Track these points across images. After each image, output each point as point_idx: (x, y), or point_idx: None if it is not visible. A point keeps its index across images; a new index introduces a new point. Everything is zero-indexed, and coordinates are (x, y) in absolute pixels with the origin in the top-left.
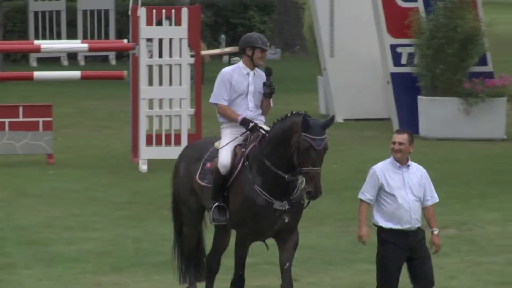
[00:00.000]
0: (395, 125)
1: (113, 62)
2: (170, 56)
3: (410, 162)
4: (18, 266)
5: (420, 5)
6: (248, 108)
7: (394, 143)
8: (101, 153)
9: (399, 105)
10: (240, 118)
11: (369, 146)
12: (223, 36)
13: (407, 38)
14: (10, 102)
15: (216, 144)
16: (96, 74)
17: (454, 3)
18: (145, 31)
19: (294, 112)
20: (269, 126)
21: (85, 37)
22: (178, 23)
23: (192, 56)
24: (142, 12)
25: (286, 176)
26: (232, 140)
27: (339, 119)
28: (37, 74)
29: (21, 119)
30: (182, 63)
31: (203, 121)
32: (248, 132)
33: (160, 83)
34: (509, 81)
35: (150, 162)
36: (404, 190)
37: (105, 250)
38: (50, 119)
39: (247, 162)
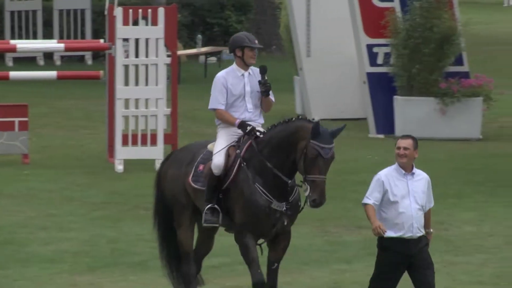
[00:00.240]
0: (371, 125)
1: (89, 62)
2: (147, 56)
3: (415, 170)
4: None
5: (396, 5)
6: (247, 110)
7: (399, 148)
8: (77, 153)
9: (375, 105)
10: (237, 121)
11: (345, 146)
12: (199, 36)
13: (384, 38)
14: None
15: (209, 146)
16: (72, 74)
17: (431, 3)
18: (122, 31)
19: (300, 117)
20: (268, 128)
21: (61, 37)
22: (154, 23)
23: (168, 56)
24: (118, 12)
25: (289, 181)
26: (229, 143)
27: (315, 118)
28: (13, 74)
29: None
30: (159, 63)
31: (179, 121)
32: (242, 133)
33: (136, 83)
34: (485, 81)
35: (126, 162)
36: (408, 198)
37: (81, 250)
38: (26, 119)
39: (244, 163)
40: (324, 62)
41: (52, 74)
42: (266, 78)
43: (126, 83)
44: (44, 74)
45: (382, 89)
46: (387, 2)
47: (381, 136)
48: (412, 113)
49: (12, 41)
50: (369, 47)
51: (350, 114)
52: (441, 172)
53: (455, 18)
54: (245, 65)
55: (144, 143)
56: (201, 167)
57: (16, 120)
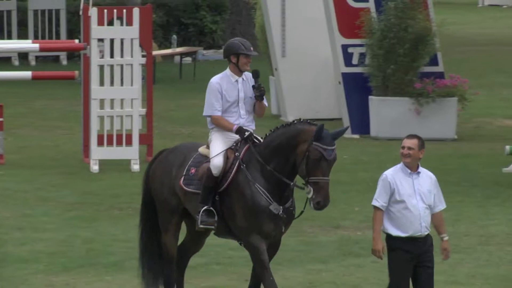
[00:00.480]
0: (346, 125)
1: (64, 62)
2: (122, 56)
3: (420, 169)
4: None
5: (371, 5)
6: (240, 116)
7: (403, 147)
8: (52, 153)
9: (350, 105)
10: (235, 127)
11: None
12: (174, 36)
13: (359, 38)
14: None
15: (201, 149)
16: (47, 74)
17: (405, 4)
18: (96, 31)
19: (301, 120)
20: (267, 133)
21: (36, 37)
22: (129, 23)
23: (143, 56)
24: (93, 12)
25: (292, 183)
26: (226, 145)
27: (290, 118)
28: None
29: None
30: (134, 63)
31: (155, 121)
32: (239, 137)
33: (112, 83)
34: (460, 82)
35: (101, 162)
36: (414, 197)
37: (56, 251)
38: (1, 119)
39: (244, 165)
40: (299, 63)
41: (27, 74)
42: (259, 82)
43: (101, 83)
44: (19, 74)
45: (357, 90)
46: (362, 2)
47: (356, 136)
48: (387, 113)
49: None
50: (344, 47)
51: (325, 114)
52: None
53: (429, 18)
54: (239, 72)
55: (119, 143)
56: (193, 170)
57: None
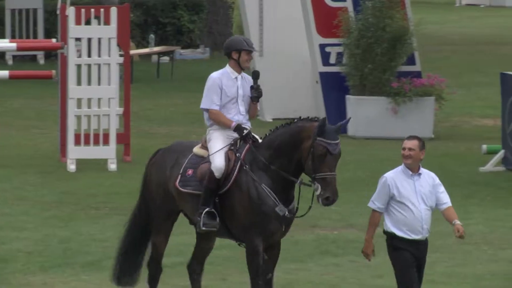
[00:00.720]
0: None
1: (42, 61)
2: (99, 55)
3: (421, 170)
4: None
5: (349, 4)
6: (240, 112)
7: (404, 149)
8: (29, 153)
9: (328, 104)
10: (233, 124)
11: None
12: (152, 36)
13: (336, 38)
14: None
15: (196, 150)
16: (24, 74)
17: (383, 3)
18: (74, 30)
19: (302, 118)
20: (268, 132)
21: (13, 36)
22: (107, 22)
23: (121, 55)
24: (70, 11)
25: (298, 181)
26: (225, 146)
27: (268, 118)
28: None
29: None
30: (111, 63)
31: (132, 121)
32: (238, 136)
33: (89, 83)
34: (437, 81)
35: (79, 162)
36: (415, 199)
37: (34, 250)
38: None
39: (246, 166)
40: (277, 62)
41: (4, 73)
42: (258, 83)
43: (79, 82)
44: None
45: (334, 89)
46: (339, 1)
47: None
48: (365, 112)
49: None
50: (322, 46)
51: (302, 114)
52: None
53: (407, 18)
54: (239, 68)
55: (96, 142)
56: (190, 171)
57: None
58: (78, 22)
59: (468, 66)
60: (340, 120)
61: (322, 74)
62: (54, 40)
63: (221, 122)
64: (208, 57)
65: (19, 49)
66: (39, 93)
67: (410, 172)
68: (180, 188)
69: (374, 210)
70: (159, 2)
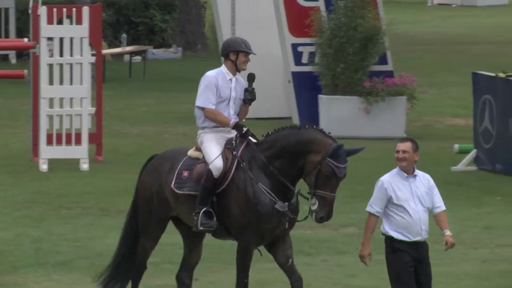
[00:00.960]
0: (296, 123)
1: (13, 61)
2: (71, 55)
3: (416, 171)
4: None
5: (321, 4)
6: (230, 115)
7: (398, 151)
8: (1, 152)
9: (300, 104)
10: (232, 122)
11: None
12: (124, 35)
13: (308, 37)
14: None
15: (190, 152)
16: None
17: (355, 3)
18: (46, 29)
19: (314, 126)
20: (271, 132)
21: None
22: (79, 21)
23: (93, 55)
24: (42, 10)
25: (296, 191)
26: (221, 145)
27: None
28: None
29: None
30: (83, 62)
31: (104, 120)
32: (233, 136)
33: (61, 82)
34: (409, 80)
35: (51, 162)
36: (412, 201)
37: (5, 250)
38: None
39: (243, 163)
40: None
41: None
42: (253, 86)
43: (51, 82)
44: None
45: (306, 88)
46: (311, 1)
47: None
48: (337, 112)
49: None
50: (294, 46)
51: (275, 113)
52: (366, 171)
53: (379, 17)
54: (235, 70)
55: (68, 142)
56: (185, 173)
57: None
58: (50, 21)
59: (440, 66)
60: (312, 120)
61: (294, 74)
62: (26, 39)
63: (218, 121)
64: (181, 57)
65: None
66: (11, 92)
67: (405, 174)
68: (176, 190)
69: (371, 214)
70: (131, 1)
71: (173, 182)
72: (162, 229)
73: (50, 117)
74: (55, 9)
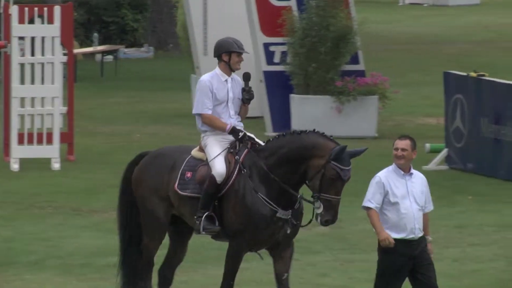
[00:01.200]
0: (268, 123)
1: None
2: (43, 54)
3: (412, 170)
4: None
5: (293, 3)
6: (230, 116)
7: (396, 149)
8: None
9: (272, 103)
10: (228, 127)
11: None
12: (96, 35)
13: (280, 37)
14: None
15: (194, 152)
16: None
17: (327, 2)
18: (17, 29)
19: (315, 130)
20: (272, 138)
21: None
22: (50, 21)
23: (64, 54)
24: (14, 10)
25: (299, 196)
26: (224, 149)
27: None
28: None
29: None
30: (55, 62)
31: (76, 120)
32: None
33: (32, 82)
34: (381, 80)
35: (22, 161)
36: (408, 199)
37: None
38: None
39: (245, 170)
40: None
41: None
42: (250, 85)
43: (22, 81)
44: None
45: (278, 88)
46: (284, 1)
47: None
48: (309, 111)
49: None
50: (266, 45)
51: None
52: None
53: (351, 17)
54: (229, 71)
55: (40, 142)
56: (188, 174)
57: None
58: (21, 20)
59: (411, 65)
60: (284, 120)
61: (266, 73)
62: None
63: (215, 126)
64: (152, 56)
65: None
66: None
67: (402, 172)
68: (180, 191)
69: (370, 209)
70: (102, 1)
71: (176, 183)
72: (164, 227)
73: (22, 117)
74: (26, 9)
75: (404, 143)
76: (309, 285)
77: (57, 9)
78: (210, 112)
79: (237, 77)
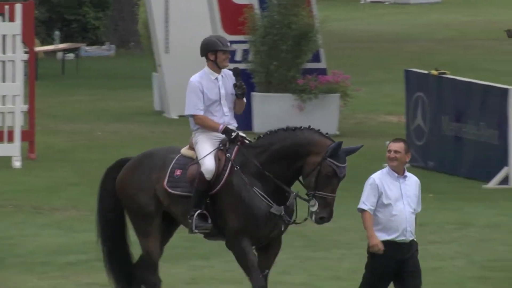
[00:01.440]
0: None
1: None
2: (4, 52)
3: (406, 173)
4: None
5: (254, 2)
6: (224, 114)
7: (389, 151)
8: None
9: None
10: (221, 127)
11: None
12: (57, 33)
13: (242, 35)
14: None
15: (184, 151)
16: None
17: (288, 0)
18: None
19: (310, 127)
20: (263, 134)
21: None
22: (11, 19)
23: (25, 52)
24: None
25: (293, 193)
26: (214, 147)
27: (173, 115)
28: None
29: None
30: (16, 60)
31: (37, 118)
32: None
33: None
34: (342, 78)
35: None
36: (401, 201)
37: None
38: None
39: (237, 167)
40: (182, 59)
41: None
42: (240, 80)
43: None
44: None
45: None
46: None
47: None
48: (270, 109)
49: None
50: None
51: None
52: None
53: (312, 15)
54: (218, 69)
55: (1, 140)
56: (178, 172)
57: None
58: None
59: (373, 63)
60: (245, 118)
61: None
62: None
63: (207, 126)
64: (114, 54)
65: None
66: None
67: (396, 174)
68: (169, 190)
69: (365, 212)
70: None
71: (165, 181)
72: (156, 223)
73: None
74: None
75: (397, 146)
76: (269, 283)
77: (18, 7)
78: (202, 112)
79: (229, 71)
